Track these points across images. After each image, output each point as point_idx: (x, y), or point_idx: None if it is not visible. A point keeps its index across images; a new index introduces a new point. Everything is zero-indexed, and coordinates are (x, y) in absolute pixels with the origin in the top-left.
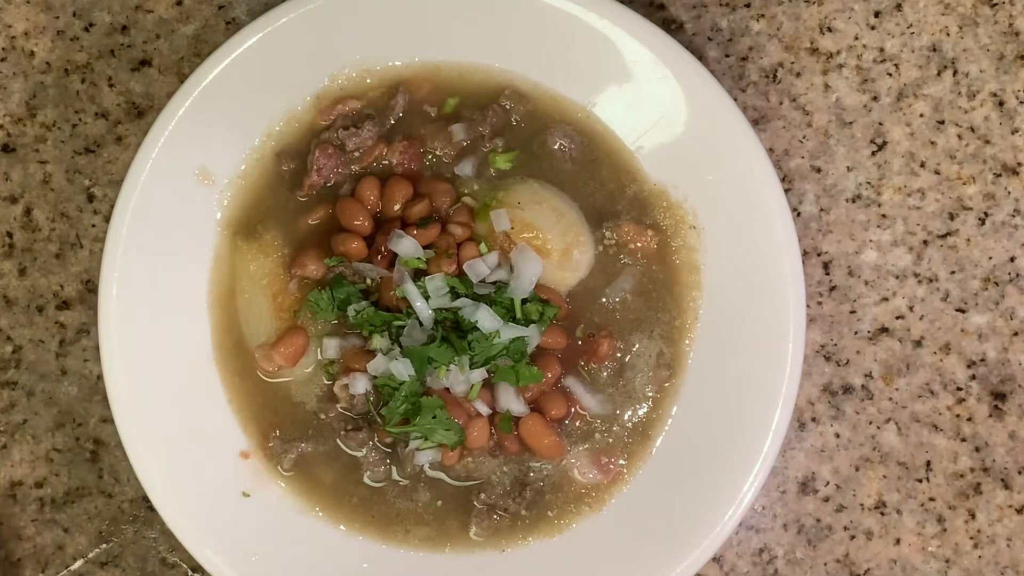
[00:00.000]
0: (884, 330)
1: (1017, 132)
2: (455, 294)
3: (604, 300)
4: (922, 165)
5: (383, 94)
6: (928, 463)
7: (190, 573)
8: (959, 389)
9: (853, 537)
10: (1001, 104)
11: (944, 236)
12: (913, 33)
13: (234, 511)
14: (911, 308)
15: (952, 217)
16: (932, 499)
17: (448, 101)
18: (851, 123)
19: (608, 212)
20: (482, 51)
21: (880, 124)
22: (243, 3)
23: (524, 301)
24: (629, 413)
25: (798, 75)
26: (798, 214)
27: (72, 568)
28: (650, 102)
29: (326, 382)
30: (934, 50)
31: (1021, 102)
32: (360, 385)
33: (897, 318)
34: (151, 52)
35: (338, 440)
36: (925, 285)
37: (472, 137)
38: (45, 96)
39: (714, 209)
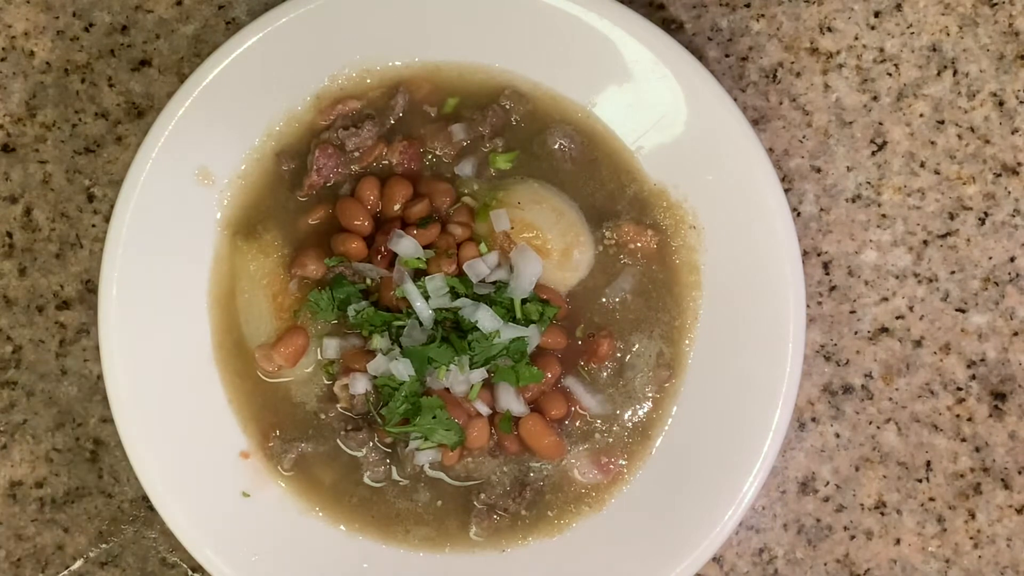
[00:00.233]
0: (884, 330)
1: (1017, 132)
2: (455, 294)
3: (604, 300)
4: (922, 165)
5: (383, 94)
6: (928, 463)
7: (190, 573)
8: (959, 389)
9: (853, 537)
10: (1001, 104)
11: (944, 236)
12: (913, 33)
13: (234, 511)
14: (911, 308)
15: (952, 217)
16: (932, 499)
17: (448, 101)
18: (851, 123)
19: (608, 212)
20: (482, 51)
21: (880, 124)
22: (243, 3)
23: (524, 301)
24: (629, 413)
25: (798, 75)
26: (798, 214)
27: (72, 568)
28: (650, 102)
29: (326, 382)
30: (934, 50)
31: (1021, 102)
32: (360, 385)
33: (897, 318)
34: (151, 52)
35: (338, 440)
36: (925, 285)
37: (472, 137)
38: (45, 96)
39: (714, 209)
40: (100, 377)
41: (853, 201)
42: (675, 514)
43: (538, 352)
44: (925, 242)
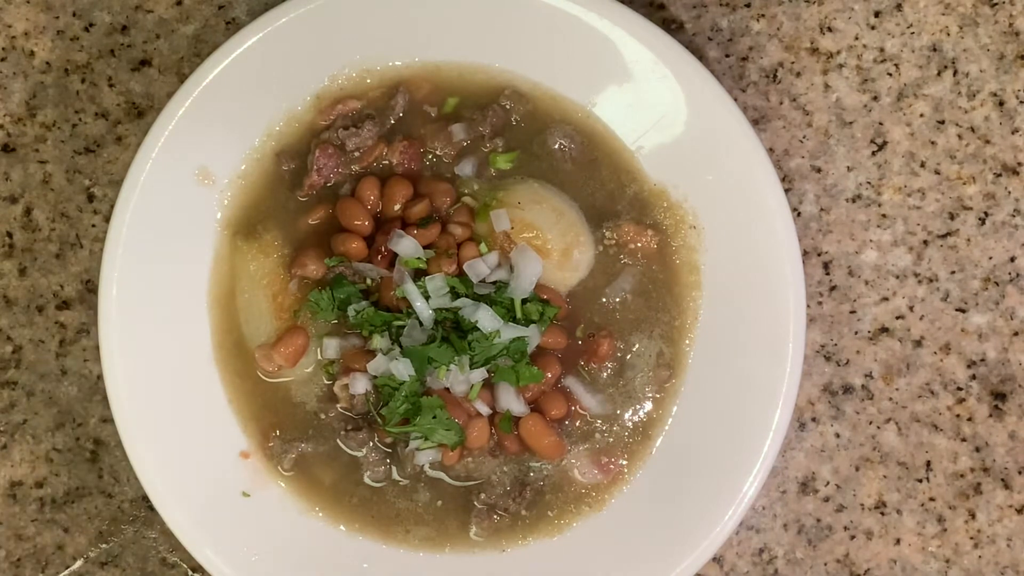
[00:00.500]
0: (884, 330)
1: (1017, 132)
2: (455, 294)
3: (604, 300)
4: (922, 165)
5: (383, 94)
6: (928, 463)
7: (190, 573)
8: (959, 389)
9: (853, 537)
10: (1001, 104)
11: (944, 236)
12: (913, 33)
13: (234, 511)
14: (911, 308)
15: (952, 217)
16: (932, 499)
17: (448, 101)
18: (851, 123)
19: (608, 212)
20: (482, 51)
21: (880, 124)
22: (243, 3)
23: (524, 301)
24: (629, 413)
25: (798, 75)
26: (798, 214)
27: (72, 568)
28: (650, 102)
29: (326, 382)
30: (934, 50)
31: (1021, 102)
32: (360, 385)
33: (897, 318)
34: (151, 52)
35: (338, 440)
36: (925, 285)
37: (472, 137)
38: (45, 96)
39: (714, 209)
40: (100, 377)
41: (853, 201)
42: (675, 514)
43: (538, 352)
44: (925, 242)
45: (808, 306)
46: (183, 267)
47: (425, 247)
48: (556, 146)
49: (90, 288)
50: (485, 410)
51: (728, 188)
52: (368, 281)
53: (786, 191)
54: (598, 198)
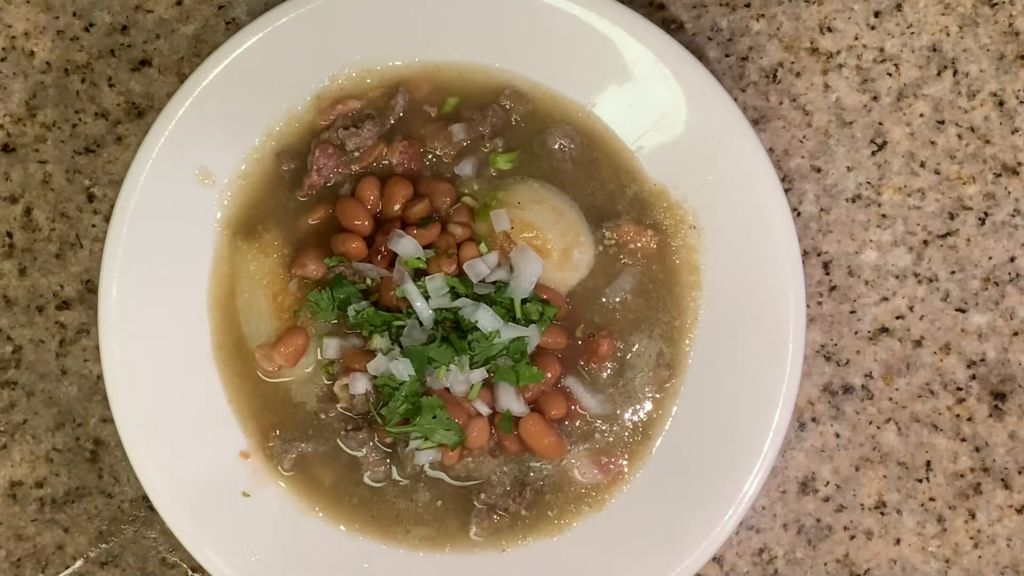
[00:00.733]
0: (884, 330)
1: (1017, 132)
2: (455, 294)
3: (604, 300)
4: (922, 165)
5: (383, 94)
6: (928, 463)
7: (190, 573)
8: (959, 389)
9: (853, 537)
10: (1001, 104)
11: (944, 236)
12: (913, 33)
13: (234, 511)
14: (911, 308)
15: (952, 217)
16: (932, 499)
17: (448, 101)
18: (851, 123)
19: (608, 212)
20: (482, 51)
21: (880, 124)
22: (243, 3)
23: (524, 301)
24: (629, 413)
25: (798, 75)
26: (798, 214)
27: (72, 568)
28: (650, 102)
29: (326, 382)
30: (934, 50)
31: (1021, 102)
32: (360, 385)
33: (897, 318)
34: (151, 52)
35: (338, 440)
36: (925, 285)
37: (472, 137)
38: (45, 96)
39: (714, 209)
40: (100, 377)
41: (853, 201)
42: (675, 514)
43: (538, 352)
44: (925, 242)
45: (808, 306)
46: (183, 267)
47: (425, 247)
48: (556, 146)
49: (90, 288)
50: (485, 410)
51: (728, 188)
52: (368, 281)
53: (786, 191)
54: (598, 198)
